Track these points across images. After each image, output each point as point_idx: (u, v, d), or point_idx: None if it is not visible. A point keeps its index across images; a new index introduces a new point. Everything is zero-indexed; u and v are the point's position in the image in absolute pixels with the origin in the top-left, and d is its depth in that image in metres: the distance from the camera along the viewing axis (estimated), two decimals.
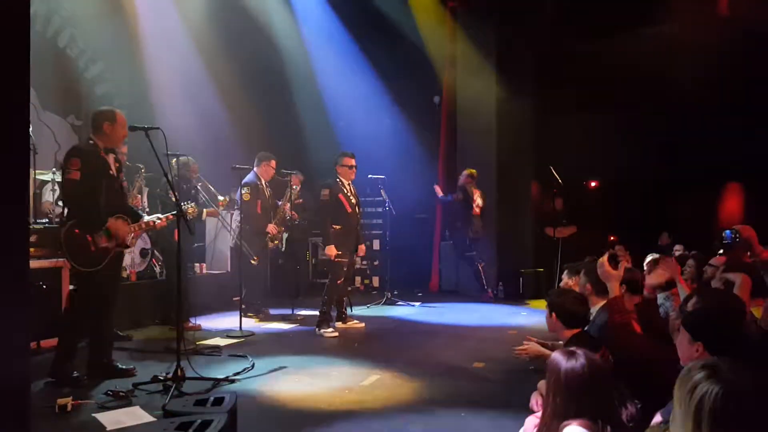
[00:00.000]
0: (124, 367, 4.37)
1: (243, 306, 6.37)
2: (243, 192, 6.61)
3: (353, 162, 6.35)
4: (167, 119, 6.63)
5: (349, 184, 6.37)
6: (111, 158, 4.34)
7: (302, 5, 9.18)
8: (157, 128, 4.11)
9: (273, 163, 6.94)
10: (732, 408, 1.33)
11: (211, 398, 2.70)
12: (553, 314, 3.03)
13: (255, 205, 6.70)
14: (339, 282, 6.17)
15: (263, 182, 6.89)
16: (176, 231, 4.20)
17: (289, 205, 7.10)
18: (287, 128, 9.37)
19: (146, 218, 4.62)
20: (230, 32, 8.47)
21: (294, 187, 7.22)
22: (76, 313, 4.23)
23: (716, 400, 1.34)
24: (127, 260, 5.85)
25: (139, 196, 6.36)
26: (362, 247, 6.56)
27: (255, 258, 6.57)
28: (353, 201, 6.38)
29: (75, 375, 4.11)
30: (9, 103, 2.36)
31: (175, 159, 5.46)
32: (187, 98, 7.84)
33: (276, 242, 6.93)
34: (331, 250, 6.10)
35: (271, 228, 6.83)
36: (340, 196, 6.23)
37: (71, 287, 4.55)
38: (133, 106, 6.98)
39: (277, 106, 9.27)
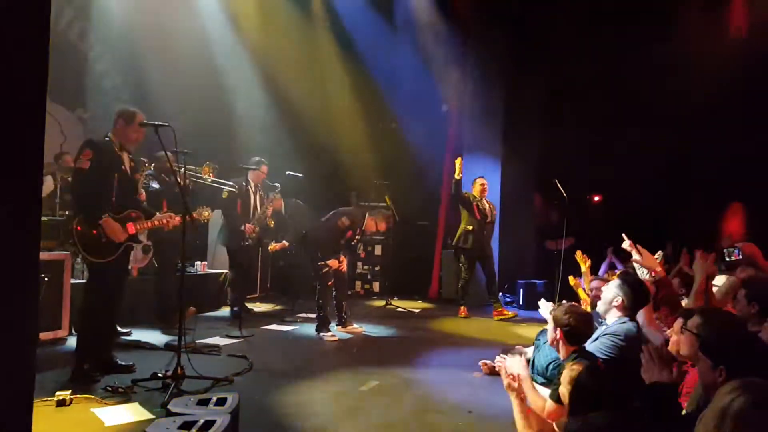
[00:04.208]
0: (123, 363, 4.36)
1: (235, 308, 6.54)
2: (225, 189, 6.71)
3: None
4: (175, 115, 6.59)
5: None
6: (125, 156, 4.35)
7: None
8: (167, 125, 4.11)
9: (264, 168, 7.04)
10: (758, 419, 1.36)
11: (214, 398, 2.67)
12: (558, 330, 3.03)
13: (234, 206, 6.78)
14: (330, 284, 6.28)
15: (252, 185, 6.96)
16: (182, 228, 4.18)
17: (271, 209, 7.16)
18: (289, 131, 9.29)
19: (158, 215, 4.60)
20: (243, 27, 8.46)
21: (272, 199, 7.19)
22: (91, 309, 4.22)
23: (743, 407, 1.38)
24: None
25: (143, 191, 6.35)
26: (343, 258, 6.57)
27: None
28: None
29: (86, 368, 4.11)
30: (25, 97, 2.35)
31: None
32: (196, 94, 7.83)
33: (250, 241, 6.93)
34: (333, 263, 6.26)
35: (248, 228, 6.83)
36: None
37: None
38: (140, 101, 6.95)
39: (282, 105, 9.21)
